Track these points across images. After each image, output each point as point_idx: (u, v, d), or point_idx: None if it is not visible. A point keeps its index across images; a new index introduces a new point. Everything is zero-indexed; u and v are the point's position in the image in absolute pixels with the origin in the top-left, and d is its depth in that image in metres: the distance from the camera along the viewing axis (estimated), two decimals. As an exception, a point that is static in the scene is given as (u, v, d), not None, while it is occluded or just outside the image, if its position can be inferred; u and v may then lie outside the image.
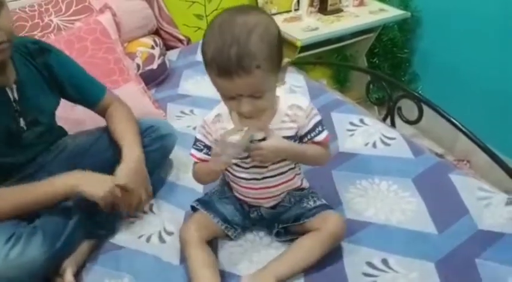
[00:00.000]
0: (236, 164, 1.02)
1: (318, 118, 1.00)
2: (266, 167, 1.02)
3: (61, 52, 1.24)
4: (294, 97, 1.03)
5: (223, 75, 0.82)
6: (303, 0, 2.28)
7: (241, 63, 0.80)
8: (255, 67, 0.81)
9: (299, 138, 1.01)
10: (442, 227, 1.08)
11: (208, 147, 1.02)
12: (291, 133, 0.99)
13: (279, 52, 0.87)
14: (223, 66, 0.81)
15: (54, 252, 1.02)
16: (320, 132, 1.00)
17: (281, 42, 0.88)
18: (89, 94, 1.25)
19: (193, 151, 1.05)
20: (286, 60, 0.91)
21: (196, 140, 1.04)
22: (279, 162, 1.02)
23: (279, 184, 1.06)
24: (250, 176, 1.03)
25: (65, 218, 1.09)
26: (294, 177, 1.08)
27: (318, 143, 1.01)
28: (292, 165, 1.05)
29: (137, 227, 1.18)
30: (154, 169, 1.23)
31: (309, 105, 0.99)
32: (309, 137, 1.00)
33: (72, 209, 1.11)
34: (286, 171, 1.05)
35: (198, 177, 1.08)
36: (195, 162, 1.05)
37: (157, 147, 1.25)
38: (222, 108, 0.99)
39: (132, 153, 1.13)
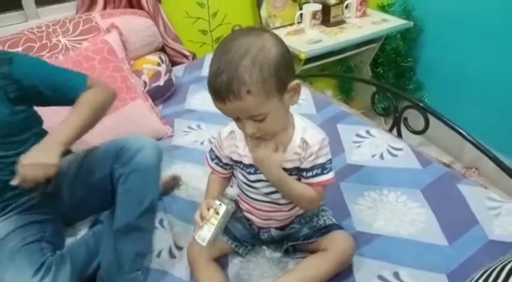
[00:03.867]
0: (248, 185, 1.02)
1: (322, 159, 0.95)
2: (270, 193, 1.01)
3: (25, 57, 1.20)
4: (308, 130, 0.96)
5: (217, 100, 0.83)
6: (305, 13, 2.30)
7: (230, 88, 0.79)
8: (245, 92, 0.79)
9: (299, 171, 0.98)
10: (452, 238, 1.08)
11: (219, 159, 1.05)
12: (291, 165, 0.96)
13: (280, 74, 0.83)
14: (216, 92, 0.81)
15: (87, 277, 1.03)
16: (317, 174, 0.95)
17: (285, 64, 0.84)
18: (66, 92, 1.16)
19: (208, 157, 1.08)
20: (296, 81, 0.87)
21: (211, 148, 1.08)
22: None
23: (290, 209, 1.05)
24: (262, 197, 1.03)
25: (94, 241, 1.11)
26: None
27: (314, 184, 0.96)
28: None
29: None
30: (144, 194, 1.08)
31: (318, 143, 0.94)
32: (305, 175, 0.96)
33: (99, 234, 1.13)
34: None
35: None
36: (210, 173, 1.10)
37: (129, 171, 1.07)
38: (237, 131, 0.99)
39: (52, 133, 1.07)
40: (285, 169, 0.95)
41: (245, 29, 0.89)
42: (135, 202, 1.07)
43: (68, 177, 1.15)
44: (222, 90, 0.80)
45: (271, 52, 0.82)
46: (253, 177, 1.00)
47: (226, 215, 0.94)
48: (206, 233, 0.92)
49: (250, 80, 0.79)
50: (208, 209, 0.94)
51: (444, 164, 1.39)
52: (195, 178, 1.38)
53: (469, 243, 1.05)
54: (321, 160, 0.95)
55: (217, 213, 0.93)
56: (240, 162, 1.00)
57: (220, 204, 0.93)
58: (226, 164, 1.05)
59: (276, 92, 0.84)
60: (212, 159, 1.07)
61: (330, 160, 0.97)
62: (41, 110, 1.24)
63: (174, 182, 1.38)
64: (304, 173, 0.96)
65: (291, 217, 1.07)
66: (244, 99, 0.80)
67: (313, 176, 0.96)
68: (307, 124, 0.98)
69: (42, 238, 1.09)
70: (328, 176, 0.96)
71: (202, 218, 0.94)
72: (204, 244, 0.92)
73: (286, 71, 0.85)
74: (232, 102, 0.81)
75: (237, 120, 0.88)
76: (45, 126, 1.24)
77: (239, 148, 0.99)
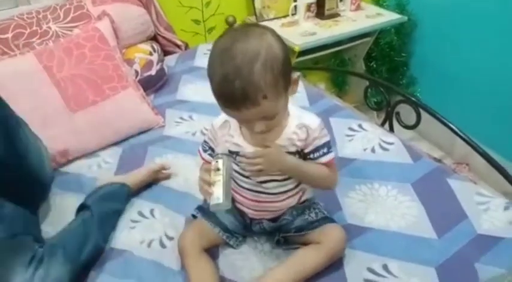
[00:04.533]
0: (241, 174, 1.02)
1: (325, 139, 0.98)
2: (263, 182, 1.01)
3: None
4: (304, 115, 0.98)
5: (230, 108, 0.81)
6: (300, 5, 2.29)
7: (247, 96, 0.78)
8: (262, 98, 0.79)
9: (302, 156, 0.99)
10: (441, 232, 1.09)
11: (213, 150, 1.04)
12: (293, 149, 0.98)
13: (286, 72, 0.84)
14: (229, 100, 0.79)
15: (79, 265, 1.02)
16: (325, 153, 0.98)
17: (288, 61, 0.85)
18: None
19: (200, 149, 1.07)
20: (296, 74, 0.89)
21: (204, 140, 1.07)
22: (284, 180, 1.01)
23: (283, 200, 1.05)
24: (255, 187, 1.03)
25: (84, 228, 1.10)
26: (298, 194, 1.07)
27: (324, 164, 0.99)
28: (297, 183, 1.04)
29: (138, 232, 1.18)
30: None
31: (318, 125, 0.97)
32: (312, 156, 0.98)
33: (88, 218, 1.12)
34: (292, 189, 1.04)
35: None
36: (202, 164, 1.07)
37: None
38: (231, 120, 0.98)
39: None
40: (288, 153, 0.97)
41: (243, 29, 0.86)
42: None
43: None
44: (237, 99, 0.78)
45: (277, 53, 0.81)
46: None
47: (227, 166, 0.92)
48: (217, 191, 0.90)
49: (265, 85, 0.79)
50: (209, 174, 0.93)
51: (435, 158, 1.39)
52: (186, 169, 1.38)
53: (457, 237, 1.06)
54: (324, 140, 0.98)
55: (218, 169, 0.92)
56: (235, 153, 0.99)
57: (217, 161, 0.92)
58: None
59: (284, 89, 0.85)
60: (205, 151, 1.06)
61: (330, 139, 1.00)
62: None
63: (164, 173, 1.36)
64: (312, 155, 0.98)
65: (283, 209, 1.07)
66: (261, 105, 0.80)
67: (320, 156, 0.98)
68: (300, 111, 0.99)
69: (20, 231, 1.07)
70: (332, 156, 0.99)
71: (208, 184, 0.92)
72: (221, 201, 0.90)
73: (289, 66, 0.85)
74: (249, 109, 0.80)
75: (246, 122, 0.87)
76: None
77: (234, 137, 0.99)
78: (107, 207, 1.19)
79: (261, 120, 0.86)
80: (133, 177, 1.31)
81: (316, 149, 0.97)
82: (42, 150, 1.26)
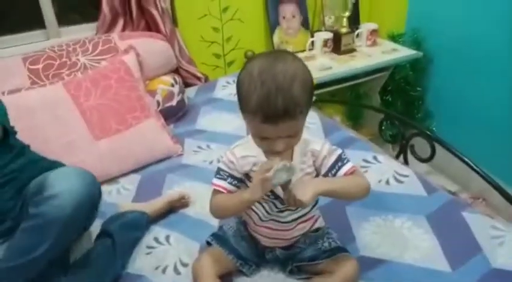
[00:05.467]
0: (257, 201, 1.03)
1: (336, 154, 1.00)
2: (279, 211, 1.03)
3: None
4: (309, 142, 1.01)
5: (269, 122, 0.85)
6: (317, 41, 2.36)
7: (288, 111, 0.84)
8: (299, 113, 0.86)
9: (322, 176, 1.02)
10: (455, 265, 1.09)
11: (233, 177, 1.01)
12: (310, 170, 1.01)
13: (313, 93, 0.92)
14: (271, 115, 0.84)
15: None
16: (341, 166, 0.99)
17: (313, 88, 0.92)
18: None
19: (217, 181, 1.02)
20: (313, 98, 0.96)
21: (220, 169, 1.03)
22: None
23: (295, 226, 1.07)
24: (270, 217, 1.05)
25: (106, 257, 1.12)
26: (311, 220, 1.09)
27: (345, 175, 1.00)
28: (311, 208, 1.06)
29: (153, 258, 1.20)
30: (35, 246, 0.97)
31: (323, 145, 1.00)
32: (330, 174, 1.00)
33: (109, 247, 1.15)
34: (304, 214, 1.06)
35: (220, 209, 1.03)
36: (216, 195, 1.03)
37: (32, 214, 0.98)
38: (250, 147, 0.99)
39: None
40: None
41: (276, 53, 0.95)
42: (21, 250, 0.98)
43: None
44: (279, 114, 0.84)
45: (309, 75, 0.90)
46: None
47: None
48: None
49: (303, 101, 0.86)
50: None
51: (450, 192, 1.40)
52: (202, 197, 1.39)
53: (472, 271, 1.06)
54: (334, 155, 1.00)
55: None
56: None
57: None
58: (240, 180, 1.03)
59: (309, 109, 0.91)
60: (224, 179, 1.02)
61: (342, 151, 1.02)
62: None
63: (182, 202, 1.40)
64: (330, 174, 1.00)
65: (296, 236, 1.09)
66: (297, 119, 0.86)
67: (338, 170, 0.99)
68: (306, 137, 1.01)
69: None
70: (350, 165, 1.00)
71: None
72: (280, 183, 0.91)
73: (313, 89, 0.93)
74: (285, 123, 0.85)
75: (267, 139, 0.90)
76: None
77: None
78: (127, 236, 1.22)
79: (286, 138, 0.90)
80: (153, 206, 1.34)
81: (332, 167, 1.00)
82: None
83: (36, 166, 1.19)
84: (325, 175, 1.01)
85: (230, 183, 1.02)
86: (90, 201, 1.03)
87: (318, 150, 1.00)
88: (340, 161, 1.00)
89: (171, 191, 1.46)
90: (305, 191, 0.91)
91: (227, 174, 1.02)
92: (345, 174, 0.99)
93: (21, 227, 0.99)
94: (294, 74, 0.85)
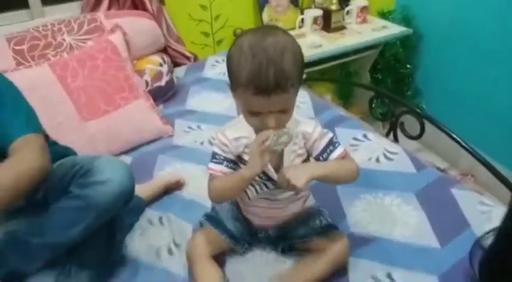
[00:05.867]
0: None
1: (327, 138, 1.00)
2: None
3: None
4: (300, 123, 1.01)
5: (261, 94, 0.85)
6: (307, 18, 2.34)
7: (279, 82, 0.84)
8: (290, 85, 0.86)
9: (313, 159, 1.03)
10: (444, 241, 1.11)
11: (228, 160, 1.01)
12: (301, 151, 1.01)
13: (303, 68, 0.92)
14: (262, 87, 0.84)
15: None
16: (332, 150, 1.00)
17: (304, 64, 0.92)
18: None
19: (214, 166, 1.01)
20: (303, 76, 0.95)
21: (215, 154, 1.02)
22: None
23: (287, 205, 1.08)
24: (260, 196, 1.05)
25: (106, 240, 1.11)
26: (302, 199, 1.10)
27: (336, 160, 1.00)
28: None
29: (147, 239, 1.21)
30: (75, 224, 1.00)
31: (315, 128, 1.00)
32: (321, 158, 1.00)
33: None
34: (294, 194, 1.07)
35: (220, 192, 1.02)
36: (213, 179, 1.01)
37: (76, 195, 1.00)
38: (241, 128, 0.99)
39: None
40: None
41: (266, 27, 0.94)
42: (59, 228, 1.01)
43: (52, 186, 1.11)
44: (270, 85, 0.83)
45: (299, 48, 0.89)
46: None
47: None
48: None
49: (294, 74, 0.86)
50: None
51: (439, 169, 1.41)
52: (194, 178, 1.41)
53: (460, 246, 1.08)
54: (326, 139, 1.00)
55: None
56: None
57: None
58: (235, 163, 1.02)
59: (300, 84, 0.91)
60: (220, 163, 1.00)
61: (334, 135, 1.02)
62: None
63: (177, 185, 1.39)
64: (321, 157, 1.00)
65: (287, 215, 1.10)
66: (288, 92, 0.86)
67: (329, 154, 1.00)
68: (297, 118, 1.01)
69: None
70: (342, 149, 1.01)
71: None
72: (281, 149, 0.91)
73: (304, 64, 0.92)
74: (278, 95, 0.85)
75: (259, 115, 0.90)
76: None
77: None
78: (125, 221, 1.21)
79: (277, 114, 0.89)
80: (149, 190, 1.33)
81: (323, 151, 1.00)
82: None
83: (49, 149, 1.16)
84: (317, 158, 1.01)
85: (227, 166, 1.01)
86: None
87: (310, 132, 1.00)
88: (332, 144, 1.00)
89: (166, 174, 1.45)
90: (299, 176, 0.91)
91: (222, 157, 1.01)
92: (336, 159, 1.00)
93: (60, 205, 1.01)
94: (284, 47, 0.85)
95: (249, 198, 1.07)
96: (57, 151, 1.20)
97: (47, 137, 1.17)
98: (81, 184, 1.01)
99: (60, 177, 1.08)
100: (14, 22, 1.89)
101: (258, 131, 0.95)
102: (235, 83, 0.88)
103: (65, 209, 1.01)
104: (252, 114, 0.91)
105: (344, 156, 1.01)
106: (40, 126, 1.12)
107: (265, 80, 0.83)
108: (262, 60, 0.83)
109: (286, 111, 0.91)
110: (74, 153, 1.29)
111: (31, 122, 1.09)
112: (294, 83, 0.87)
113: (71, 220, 1.00)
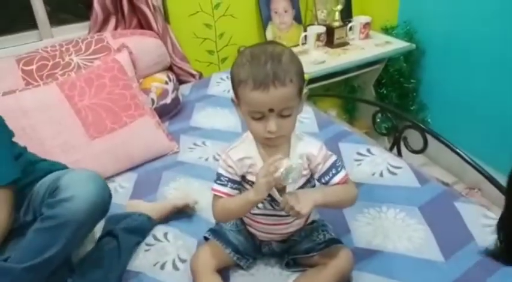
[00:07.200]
0: None
1: (330, 161, 1.02)
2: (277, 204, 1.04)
3: None
4: (305, 143, 1.03)
5: (260, 87, 0.87)
6: (310, 35, 2.37)
7: (277, 73, 0.87)
8: (289, 80, 0.88)
9: (316, 180, 1.05)
10: (448, 254, 1.10)
11: (233, 181, 1.02)
12: (303, 180, 1.03)
13: (303, 75, 0.94)
14: (260, 79, 0.87)
15: None
16: (334, 174, 1.01)
17: (303, 71, 0.95)
18: None
19: (218, 187, 1.02)
20: (305, 91, 0.97)
21: (220, 175, 1.03)
22: None
23: (291, 221, 1.08)
24: (266, 211, 1.06)
25: (109, 260, 1.12)
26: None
27: (338, 184, 1.02)
28: None
29: (152, 255, 1.22)
30: (47, 247, 0.99)
31: (319, 151, 1.01)
32: (323, 181, 1.02)
33: (113, 249, 1.16)
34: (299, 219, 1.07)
35: (224, 213, 1.04)
36: (218, 199, 1.03)
37: (46, 216, 0.99)
38: (246, 148, 1.02)
39: None
40: (300, 187, 1.01)
41: (264, 42, 0.99)
42: (35, 251, 1.00)
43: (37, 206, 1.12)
44: (268, 77, 0.87)
45: (297, 57, 0.94)
46: None
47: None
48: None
49: (292, 71, 0.89)
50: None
51: (443, 183, 1.41)
52: (198, 193, 1.41)
53: (464, 259, 1.08)
54: (329, 162, 1.02)
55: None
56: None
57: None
58: (239, 184, 1.04)
59: (299, 92, 0.93)
60: (225, 185, 1.02)
61: (337, 158, 1.03)
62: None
63: (186, 209, 1.37)
64: (323, 180, 1.02)
65: (291, 230, 1.10)
66: (287, 86, 0.88)
67: (331, 178, 1.01)
68: (301, 138, 1.03)
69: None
70: (344, 173, 1.03)
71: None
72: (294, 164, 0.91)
73: (304, 79, 0.96)
74: (277, 89, 0.87)
75: (261, 120, 0.92)
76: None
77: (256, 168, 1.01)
78: (132, 240, 1.22)
79: (275, 117, 0.90)
80: (159, 210, 1.33)
81: (325, 173, 1.02)
82: None
83: (36, 168, 1.21)
84: (319, 180, 1.03)
85: (231, 187, 1.03)
86: (102, 205, 1.06)
87: (315, 155, 1.01)
88: (334, 168, 1.02)
89: (181, 195, 1.43)
90: (304, 204, 0.93)
91: (227, 179, 1.02)
92: (338, 183, 1.01)
93: (35, 228, 1.01)
94: (282, 50, 0.91)
95: (255, 213, 1.07)
96: (43, 168, 1.22)
97: (15, 182, 1.12)
98: (49, 204, 1.01)
99: (42, 195, 1.09)
100: (23, 43, 1.94)
101: (262, 144, 0.97)
102: (236, 83, 0.92)
103: (39, 230, 1.00)
104: (254, 118, 0.92)
105: (346, 181, 1.02)
106: (8, 168, 1.10)
107: (263, 73, 0.87)
108: (261, 59, 0.88)
109: (287, 114, 0.92)
110: (62, 168, 1.27)
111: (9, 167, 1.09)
112: (293, 79, 0.89)
113: (46, 242, 0.99)
